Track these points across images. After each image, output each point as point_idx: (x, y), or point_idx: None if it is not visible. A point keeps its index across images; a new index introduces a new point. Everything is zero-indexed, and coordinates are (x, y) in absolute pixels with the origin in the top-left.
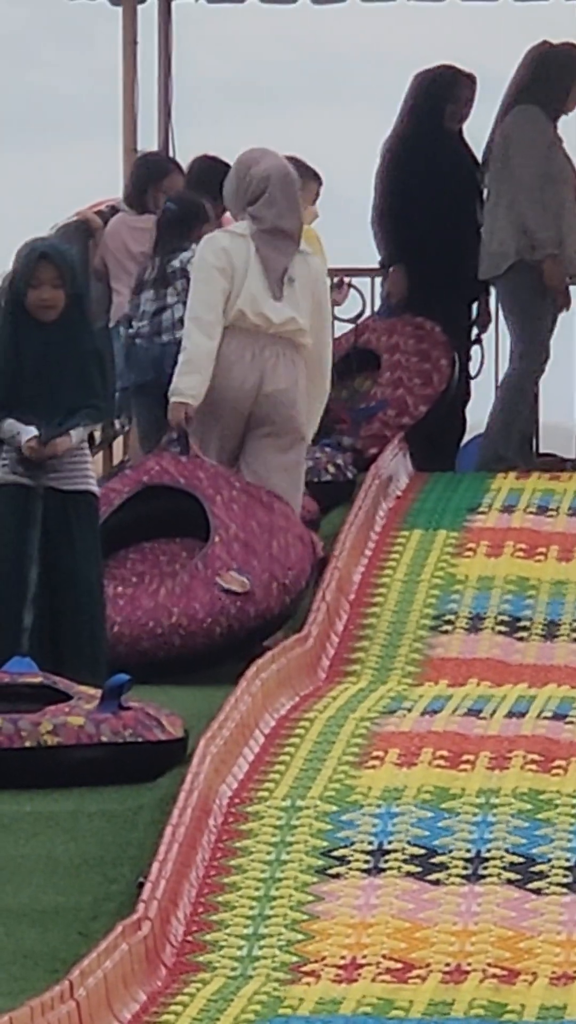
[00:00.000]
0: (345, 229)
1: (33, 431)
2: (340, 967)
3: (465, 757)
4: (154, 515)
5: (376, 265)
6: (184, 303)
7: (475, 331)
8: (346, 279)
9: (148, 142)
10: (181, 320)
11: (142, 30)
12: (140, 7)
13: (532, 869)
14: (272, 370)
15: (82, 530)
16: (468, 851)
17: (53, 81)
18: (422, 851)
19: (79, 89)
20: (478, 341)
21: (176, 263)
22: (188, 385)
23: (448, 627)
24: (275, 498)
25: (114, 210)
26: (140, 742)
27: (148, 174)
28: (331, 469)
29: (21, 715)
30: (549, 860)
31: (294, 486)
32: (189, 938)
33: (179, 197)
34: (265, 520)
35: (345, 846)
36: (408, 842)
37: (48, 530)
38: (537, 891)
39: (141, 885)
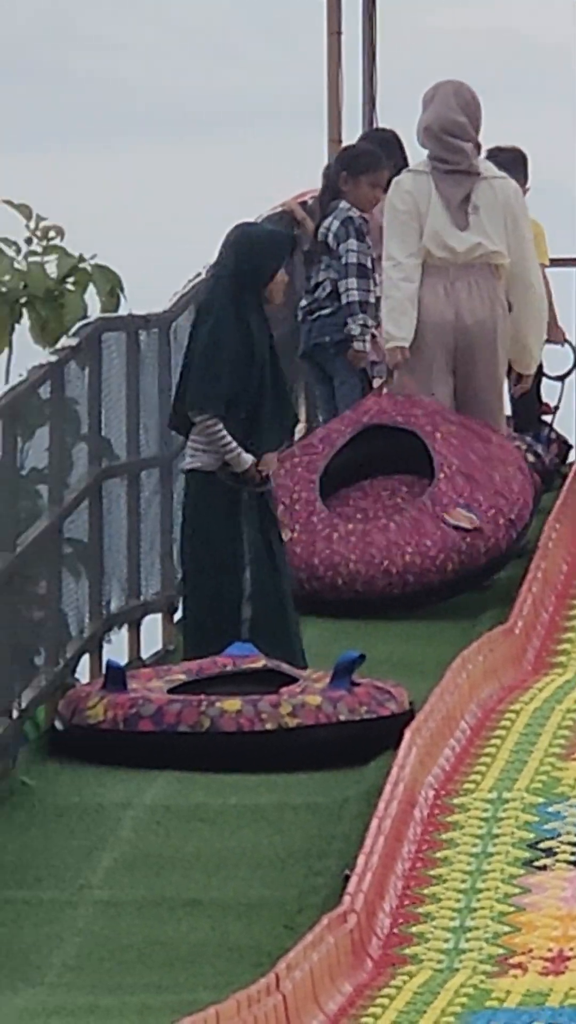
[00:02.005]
0: (550, 220)
1: (249, 458)
2: (547, 959)
3: None
4: (374, 454)
5: None
6: (331, 279)
7: None
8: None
9: (352, 133)
10: (330, 295)
11: (346, 21)
12: None
13: None
14: (467, 301)
15: (274, 520)
16: None
17: (257, 73)
18: None
19: (283, 81)
20: None
21: (321, 236)
22: (399, 328)
23: None
24: (491, 429)
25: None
26: (375, 718)
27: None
28: (530, 458)
29: (259, 697)
30: None
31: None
32: (395, 931)
33: (338, 155)
34: (484, 452)
35: (552, 838)
36: None
37: (259, 519)
38: None
39: (347, 878)
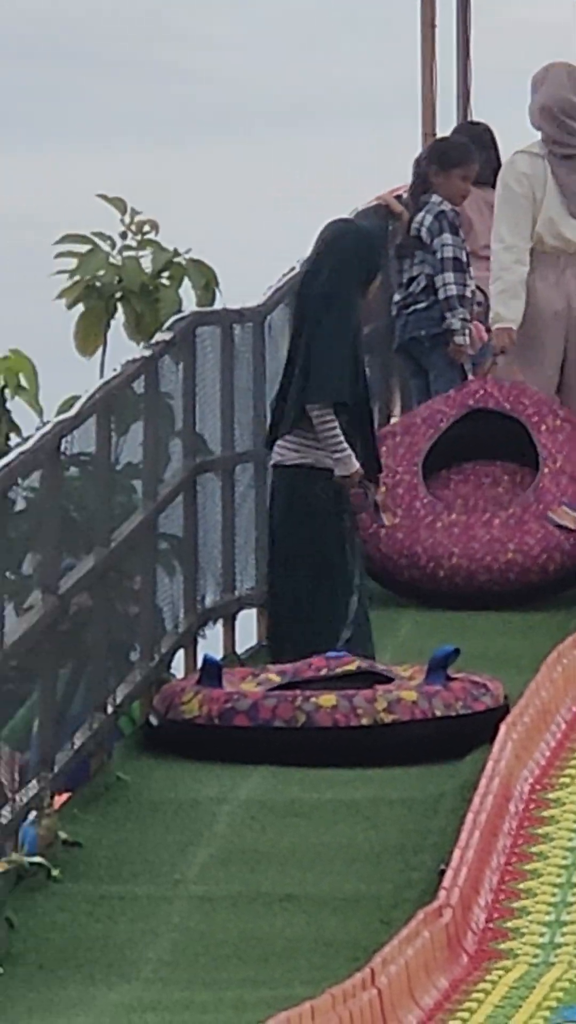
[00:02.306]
0: None
1: (356, 464)
2: None
3: None
4: (476, 437)
5: None
6: (426, 274)
7: None
8: None
9: (446, 127)
10: (425, 289)
11: (440, 13)
12: None
13: None
14: None
15: (352, 514)
16: None
17: (351, 66)
18: None
19: (377, 74)
20: None
21: (413, 230)
22: (509, 310)
23: None
24: None
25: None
26: (470, 713)
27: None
28: None
29: (355, 692)
30: None
31: None
32: (490, 925)
33: (427, 149)
34: None
35: None
36: None
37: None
38: None
39: (442, 872)
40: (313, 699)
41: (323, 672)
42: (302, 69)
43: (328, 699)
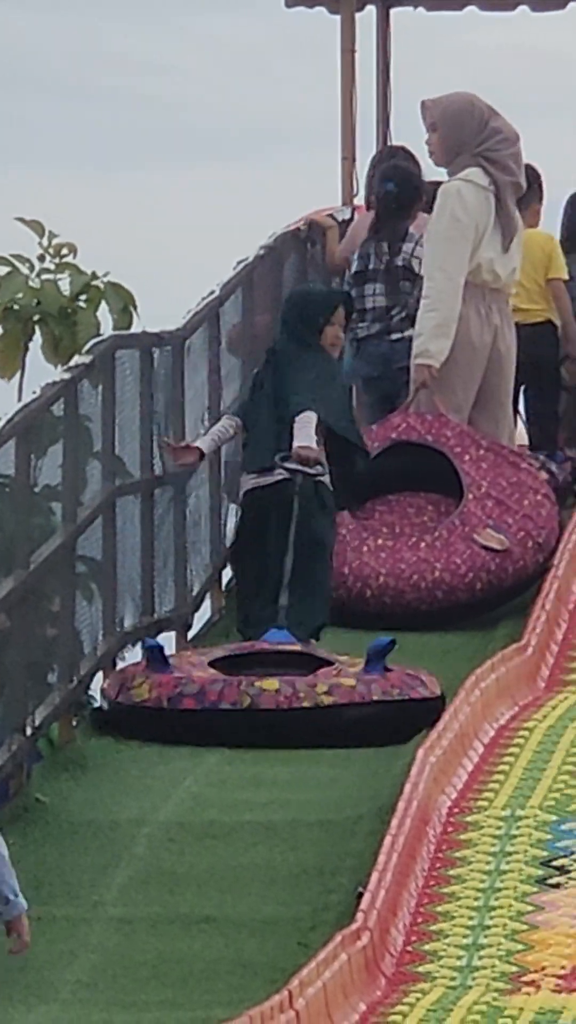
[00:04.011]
0: None
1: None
2: (560, 977)
3: None
4: (400, 470)
5: None
6: (411, 300)
7: None
8: None
9: (366, 151)
10: (408, 318)
11: (360, 39)
12: (358, 15)
13: None
14: (500, 327)
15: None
16: None
17: (276, 90)
18: None
19: (300, 98)
20: None
21: (399, 261)
22: (439, 348)
23: None
24: (520, 456)
25: (333, 219)
26: (407, 700)
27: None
28: (543, 475)
29: (297, 677)
30: None
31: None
32: (408, 948)
33: (398, 176)
34: (513, 478)
35: (565, 855)
36: None
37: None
38: None
39: (360, 895)
40: (257, 683)
41: (267, 648)
42: (228, 94)
43: (271, 683)
